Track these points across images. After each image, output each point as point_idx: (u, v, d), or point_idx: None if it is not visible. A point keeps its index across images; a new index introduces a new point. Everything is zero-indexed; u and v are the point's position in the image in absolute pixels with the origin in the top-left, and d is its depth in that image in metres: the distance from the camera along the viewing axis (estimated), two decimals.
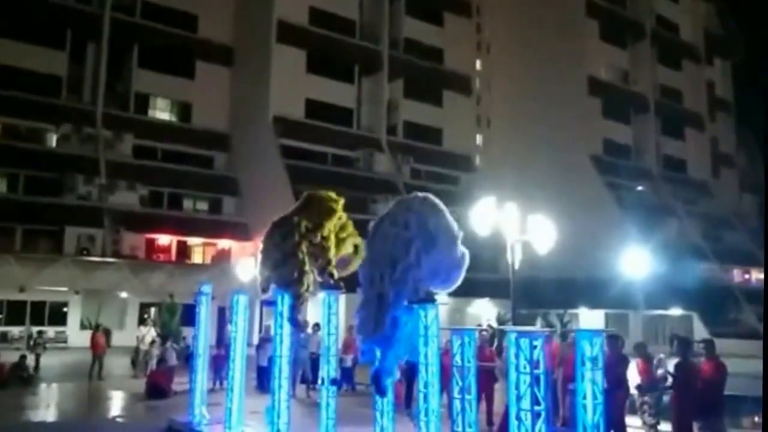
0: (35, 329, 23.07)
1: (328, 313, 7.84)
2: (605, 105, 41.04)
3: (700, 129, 46.42)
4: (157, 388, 13.78)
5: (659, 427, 9.32)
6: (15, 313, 26.48)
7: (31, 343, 19.08)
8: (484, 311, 33.10)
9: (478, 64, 43.75)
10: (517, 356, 5.11)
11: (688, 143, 45.68)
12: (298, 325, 8.06)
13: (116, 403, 14.04)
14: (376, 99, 37.18)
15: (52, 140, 31.17)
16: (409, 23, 38.71)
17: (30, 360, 16.61)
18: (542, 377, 5.06)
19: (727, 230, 42.88)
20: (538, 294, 26.43)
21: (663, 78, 44.84)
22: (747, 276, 39.40)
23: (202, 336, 10.02)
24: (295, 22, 34.08)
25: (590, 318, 32.56)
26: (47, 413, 12.45)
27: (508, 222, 10.38)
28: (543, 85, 39.08)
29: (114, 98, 32.74)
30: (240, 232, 31.98)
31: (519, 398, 5.06)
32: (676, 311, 31.80)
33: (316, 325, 14.97)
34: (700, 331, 28.90)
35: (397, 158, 36.43)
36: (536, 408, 5.00)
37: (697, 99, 46.44)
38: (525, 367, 5.06)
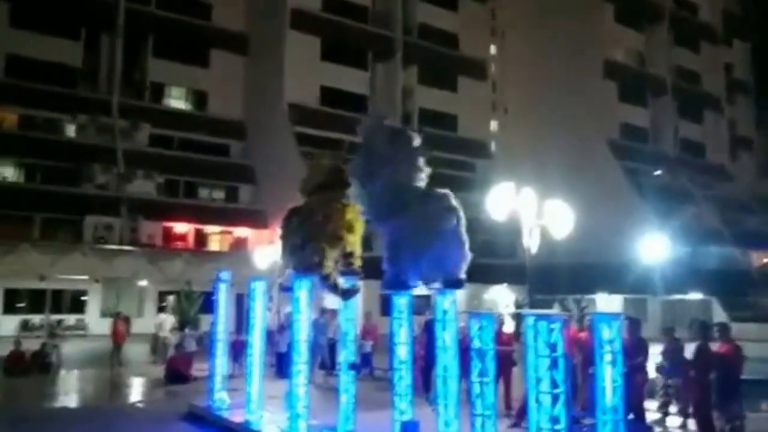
0: (53, 318, 23.46)
1: None
2: (622, 88, 40.43)
3: (718, 111, 45.56)
4: (177, 374, 13.98)
5: (669, 409, 9.31)
6: (36, 301, 26.98)
7: (50, 333, 19.36)
8: (502, 297, 33.07)
9: (493, 49, 43.24)
10: (535, 339, 5.07)
11: (707, 126, 44.88)
12: (349, 292, 7.92)
13: (137, 389, 14.24)
14: (391, 85, 36.96)
15: (70, 130, 31.52)
16: (423, 8, 38.31)
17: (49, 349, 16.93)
18: (560, 360, 5.02)
19: (746, 214, 42.14)
20: (555, 279, 26.26)
21: (680, 60, 43.98)
22: (766, 260, 38.80)
23: (221, 322, 10.10)
24: (308, 9, 33.94)
25: (608, 303, 32.33)
26: (69, 399, 12.67)
27: (525, 207, 10.32)
28: (559, 69, 38.54)
29: (130, 88, 32.95)
30: (256, 219, 32.18)
31: (538, 381, 5.03)
32: (695, 296, 31.47)
33: (334, 311, 15.10)
34: (719, 315, 28.59)
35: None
36: (555, 391, 4.96)
37: (715, 81, 45.52)
38: (543, 351, 5.03)
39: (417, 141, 6.95)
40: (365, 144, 7.13)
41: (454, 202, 6.47)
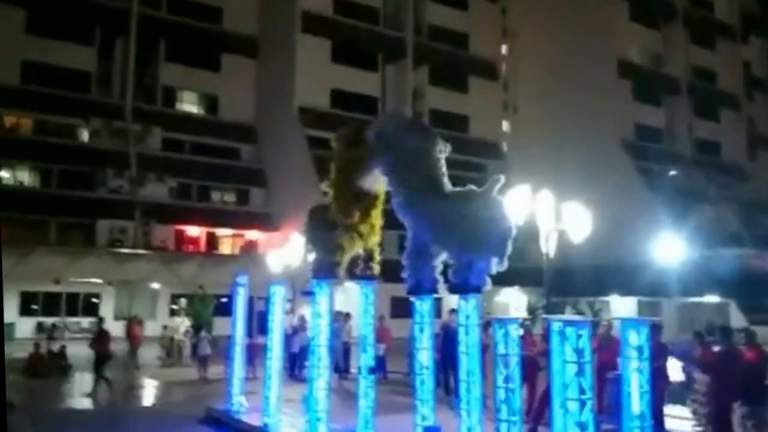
0: (51, 321, 23.71)
1: (366, 303, 7.88)
2: (636, 88, 39.98)
3: (735, 110, 44.88)
4: (100, 354, 13.43)
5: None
6: (51, 304, 27.23)
7: (47, 336, 19.50)
8: (513, 300, 32.82)
9: (504, 49, 43.01)
10: (561, 345, 5.00)
11: (723, 125, 44.24)
12: (368, 277, 8.00)
13: (154, 392, 14.32)
14: (401, 87, 36.86)
15: (84, 135, 31.81)
16: (433, 9, 38.20)
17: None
18: (588, 366, 4.98)
19: (764, 214, 41.52)
20: (568, 281, 26.00)
21: (696, 58, 43.40)
22: None
23: (239, 326, 10.06)
24: (319, 12, 33.97)
25: (622, 306, 31.98)
26: (88, 401, 12.66)
27: (543, 210, 10.17)
28: (571, 69, 38.21)
29: (142, 92, 33.21)
30: (267, 222, 32.25)
31: (564, 387, 4.96)
32: (712, 299, 31.00)
33: (347, 315, 15.06)
34: (737, 318, 28.15)
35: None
36: (582, 397, 4.90)
37: (732, 79, 44.81)
38: (571, 356, 4.97)
39: (441, 140, 7.05)
40: (388, 138, 7.12)
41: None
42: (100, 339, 13.53)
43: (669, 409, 9.03)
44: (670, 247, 18.59)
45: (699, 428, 8.76)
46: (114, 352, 13.66)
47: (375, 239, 7.97)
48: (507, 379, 5.63)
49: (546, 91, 39.83)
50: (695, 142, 42.47)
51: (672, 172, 37.90)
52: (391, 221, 7.89)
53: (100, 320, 15.19)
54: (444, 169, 6.88)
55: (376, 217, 7.92)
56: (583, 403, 4.89)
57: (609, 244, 29.01)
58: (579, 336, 4.95)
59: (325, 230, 7.85)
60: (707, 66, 44.03)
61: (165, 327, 19.50)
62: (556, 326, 5.01)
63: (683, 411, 9.43)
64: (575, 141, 36.13)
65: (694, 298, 30.20)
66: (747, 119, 45.97)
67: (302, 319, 15.20)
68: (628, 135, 38.90)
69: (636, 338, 5.12)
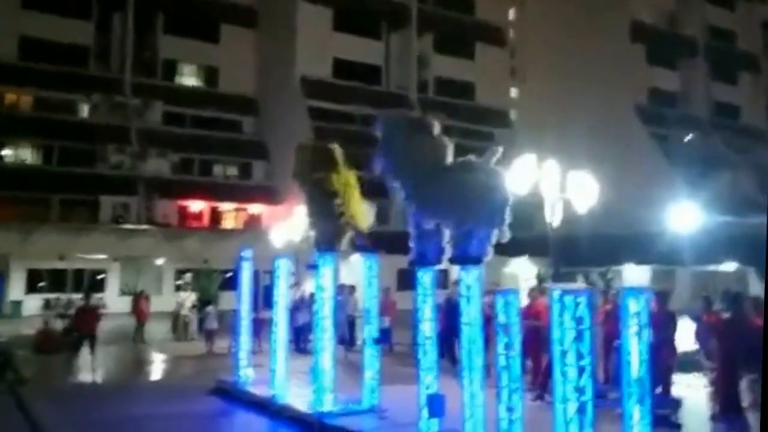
0: (60, 297, 23.79)
1: (369, 275, 8.02)
2: (650, 51, 38.77)
3: (755, 72, 43.47)
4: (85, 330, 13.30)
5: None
6: (57, 281, 27.25)
7: (59, 313, 19.53)
8: (522, 270, 32.36)
9: (512, 14, 41.72)
10: (561, 313, 5.13)
11: (742, 88, 42.92)
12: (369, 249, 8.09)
13: (163, 366, 14.55)
14: (406, 55, 35.98)
15: (84, 111, 31.46)
16: None
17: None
18: (586, 333, 5.10)
19: None
20: (580, 251, 25.49)
21: (714, 18, 41.84)
22: None
23: (245, 300, 10.22)
24: None
25: (634, 275, 31.43)
26: (99, 376, 12.71)
27: (548, 180, 9.90)
28: (583, 32, 36.97)
29: (141, 66, 32.64)
30: (270, 196, 31.87)
31: (563, 354, 5.09)
32: (729, 267, 30.32)
33: (352, 287, 14.79)
34: (756, 286, 27.50)
35: (429, 115, 35.33)
36: (580, 363, 5.04)
37: (752, 40, 43.29)
38: (570, 324, 5.10)
39: (437, 129, 6.94)
40: (385, 141, 7.10)
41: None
42: (81, 315, 13.24)
43: (678, 377, 9.01)
44: (685, 214, 17.97)
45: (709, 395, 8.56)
46: (96, 331, 13.43)
47: (356, 208, 7.74)
48: (507, 347, 5.77)
49: (556, 56, 38.64)
50: (713, 106, 41.26)
51: (688, 137, 36.92)
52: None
53: (87, 295, 14.98)
54: (446, 150, 6.76)
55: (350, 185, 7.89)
56: (581, 369, 4.98)
57: (622, 212, 28.42)
58: (577, 304, 5.04)
59: (325, 198, 7.96)
60: (726, 26, 42.47)
61: (179, 303, 19.42)
62: (555, 295, 5.14)
63: (692, 379, 9.39)
64: (587, 107, 35.17)
65: (711, 265, 29.57)
66: (766, 81, 44.49)
67: (304, 295, 15.09)
68: (642, 100, 37.87)
69: (635, 306, 5.18)
